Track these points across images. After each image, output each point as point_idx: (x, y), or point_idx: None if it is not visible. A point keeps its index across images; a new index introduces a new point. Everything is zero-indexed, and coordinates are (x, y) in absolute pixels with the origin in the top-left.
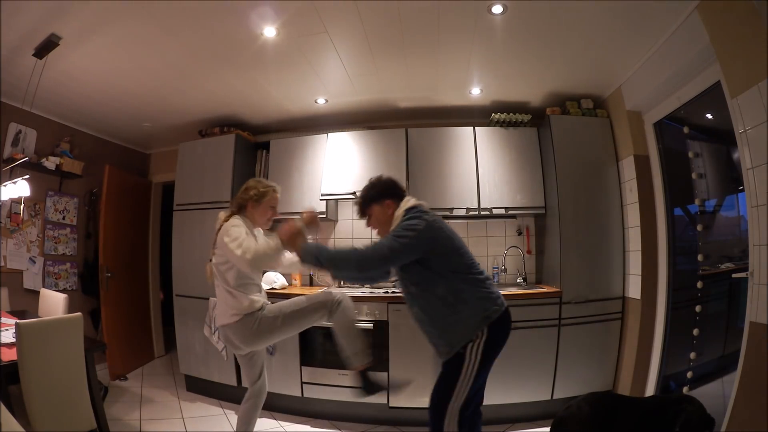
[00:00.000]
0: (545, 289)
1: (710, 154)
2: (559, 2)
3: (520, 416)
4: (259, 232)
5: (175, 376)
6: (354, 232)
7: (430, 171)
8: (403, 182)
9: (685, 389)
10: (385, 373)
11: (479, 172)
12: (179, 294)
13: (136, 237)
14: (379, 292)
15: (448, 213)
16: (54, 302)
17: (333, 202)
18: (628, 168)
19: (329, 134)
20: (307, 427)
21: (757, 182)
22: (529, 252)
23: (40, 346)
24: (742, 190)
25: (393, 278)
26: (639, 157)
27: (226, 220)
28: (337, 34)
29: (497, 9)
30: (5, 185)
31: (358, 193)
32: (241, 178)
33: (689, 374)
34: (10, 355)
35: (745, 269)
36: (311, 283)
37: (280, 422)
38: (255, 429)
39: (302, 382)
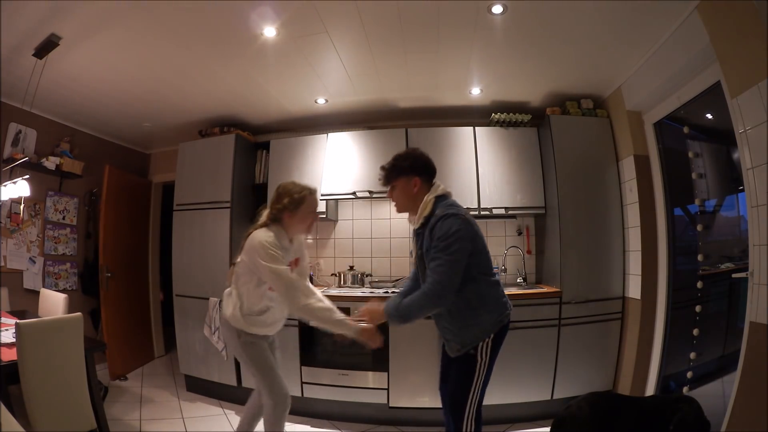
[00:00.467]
0: (545, 289)
1: (710, 154)
2: (559, 2)
3: (520, 416)
4: (298, 239)
5: (175, 376)
6: (354, 232)
7: None
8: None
9: (685, 389)
10: (385, 374)
11: (479, 172)
12: (179, 294)
13: (136, 237)
14: (379, 292)
15: None
16: (54, 302)
17: (333, 202)
18: (628, 168)
19: (329, 134)
20: (307, 427)
21: (757, 182)
22: (529, 252)
23: (40, 346)
24: (742, 190)
25: (396, 278)
26: (639, 157)
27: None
28: (337, 34)
29: (497, 9)
30: (5, 185)
31: (385, 164)
32: (241, 178)
33: (689, 374)
34: (10, 355)
35: (745, 269)
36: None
37: None
38: (255, 429)
39: (302, 382)
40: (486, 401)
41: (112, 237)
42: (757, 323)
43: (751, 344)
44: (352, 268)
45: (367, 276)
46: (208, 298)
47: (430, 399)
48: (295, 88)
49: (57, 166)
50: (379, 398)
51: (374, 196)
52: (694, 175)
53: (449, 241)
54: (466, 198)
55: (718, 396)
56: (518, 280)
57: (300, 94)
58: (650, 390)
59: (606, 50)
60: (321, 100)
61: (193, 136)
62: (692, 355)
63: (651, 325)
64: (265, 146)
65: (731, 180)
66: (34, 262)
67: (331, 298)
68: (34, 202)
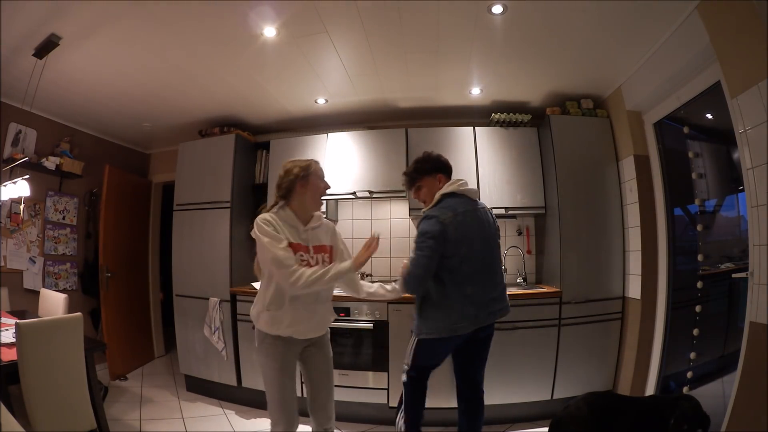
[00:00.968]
0: (545, 289)
1: (710, 154)
2: (559, 2)
3: (520, 416)
4: (318, 222)
5: (175, 376)
6: (354, 232)
7: None
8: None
9: (685, 389)
10: (385, 374)
11: (479, 172)
12: (179, 294)
13: (136, 237)
14: None
15: None
16: (54, 302)
17: (333, 202)
18: (628, 168)
19: (329, 134)
20: (308, 428)
21: (757, 182)
22: (529, 252)
23: (40, 346)
24: (742, 190)
25: (396, 278)
26: (639, 157)
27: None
28: (337, 34)
29: (497, 9)
30: (5, 185)
31: (407, 169)
32: (241, 178)
33: (689, 374)
34: (10, 355)
35: (745, 269)
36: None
37: None
38: (254, 429)
39: (302, 382)
40: (486, 401)
41: (112, 237)
42: (757, 323)
43: (751, 344)
44: None
45: (367, 276)
46: (208, 298)
47: (430, 399)
48: (295, 88)
49: (57, 166)
50: (379, 398)
51: (374, 196)
52: (694, 175)
53: (421, 239)
54: None
55: (718, 396)
56: (518, 280)
57: (300, 94)
58: (650, 390)
59: (606, 50)
60: (321, 100)
61: (193, 136)
62: (692, 355)
63: (651, 325)
64: (265, 146)
65: (731, 180)
66: (34, 262)
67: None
68: (34, 202)
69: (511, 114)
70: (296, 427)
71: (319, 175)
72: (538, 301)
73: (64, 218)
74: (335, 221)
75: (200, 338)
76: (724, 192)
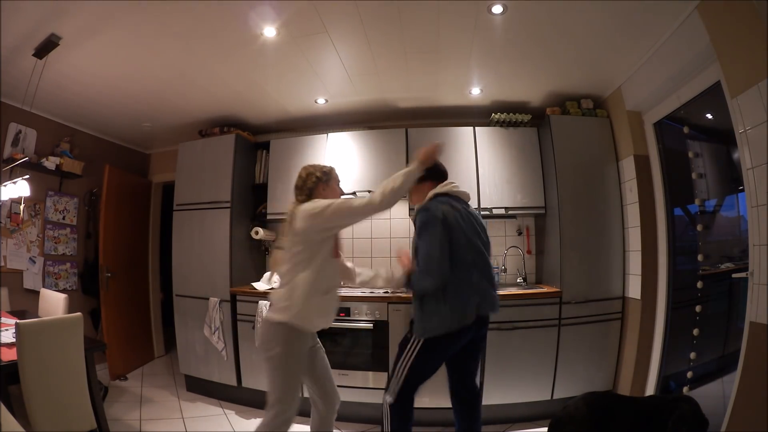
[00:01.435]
0: (545, 289)
1: (710, 154)
2: (559, 2)
3: (520, 416)
4: None
5: (175, 376)
6: (354, 232)
7: None
8: None
9: (685, 389)
10: (386, 374)
11: (479, 172)
12: (179, 294)
13: (136, 237)
14: (379, 292)
15: None
16: (54, 302)
17: None
18: (628, 168)
19: (329, 134)
20: (307, 427)
21: (757, 182)
22: (529, 252)
23: (40, 346)
24: (742, 190)
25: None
26: (639, 157)
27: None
28: (337, 34)
29: (497, 9)
30: (5, 185)
31: None
32: (241, 178)
33: (689, 374)
34: (10, 355)
35: (745, 269)
36: None
37: None
38: (254, 429)
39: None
40: (486, 401)
41: (112, 237)
42: (757, 323)
43: (751, 344)
44: None
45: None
46: (208, 298)
47: (430, 399)
48: (295, 88)
49: (57, 166)
50: (379, 398)
51: None
52: (694, 175)
53: (424, 230)
54: None
55: (718, 396)
56: (518, 280)
57: (300, 94)
58: (650, 390)
59: (606, 50)
60: (321, 100)
61: (193, 136)
62: (692, 355)
63: (651, 325)
64: (265, 146)
65: (731, 180)
66: (34, 262)
67: None
68: (34, 202)
69: (511, 114)
70: None
71: (338, 180)
72: (538, 301)
73: (64, 218)
74: None
75: (200, 338)
76: (724, 192)
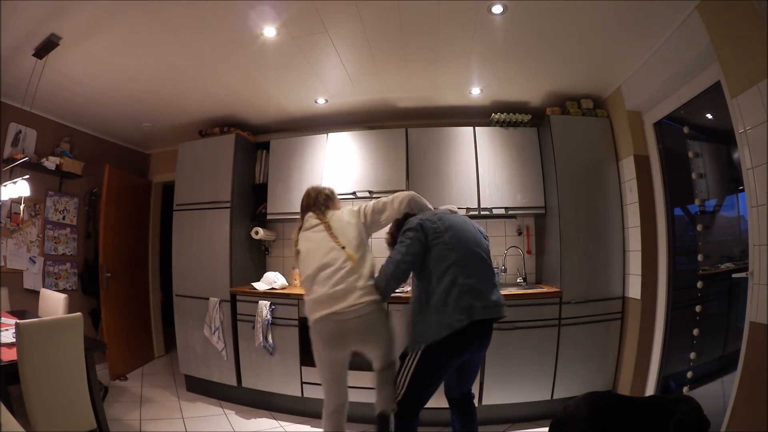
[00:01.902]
0: (545, 289)
1: (710, 154)
2: (559, 2)
3: (520, 416)
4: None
5: (175, 376)
6: None
7: (430, 171)
8: (403, 182)
9: (685, 389)
10: None
11: (479, 172)
12: (179, 294)
13: (136, 237)
14: None
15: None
16: (54, 302)
17: None
18: (628, 168)
19: (329, 134)
20: (307, 427)
21: (757, 182)
22: (529, 252)
23: (40, 346)
24: (742, 190)
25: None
26: (639, 157)
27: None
28: (337, 34)
29: (497, 9)
30: (5, 185)
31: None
32: (241, 178)
33: (689, 374)
34: (10, 355)
35: (745, 269)
36: None
37: (280, 422)
38: (254, 429)
39: (302, 382)
40: (486, 401)
41: (112, 237)
42: (757, 323)
43: (751, 344)
44: None
45: None
46: (208, 298)
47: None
48: (295, 88)
49: (57, 166)
50: None
51: (374, 196)
52: (694, 175)
53: (400, 237)
54: (466, 198)
55: (718, 396)
56: (518, 280)
57: (300, 94)
58: (650, 390)
59: (606, 50)
60: (321, 100)
61: (193, 136)
62: (692, 355)
63: (651, 325)
64: (265, 146)
65: (731, 180)
66: (34, 262)
67: None
68: (34, 202)
69: (511, 114)
70: None
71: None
72: (538, 301)
73: (64, 218)
74: None
75: (200, 338)
76: (724, 192)
